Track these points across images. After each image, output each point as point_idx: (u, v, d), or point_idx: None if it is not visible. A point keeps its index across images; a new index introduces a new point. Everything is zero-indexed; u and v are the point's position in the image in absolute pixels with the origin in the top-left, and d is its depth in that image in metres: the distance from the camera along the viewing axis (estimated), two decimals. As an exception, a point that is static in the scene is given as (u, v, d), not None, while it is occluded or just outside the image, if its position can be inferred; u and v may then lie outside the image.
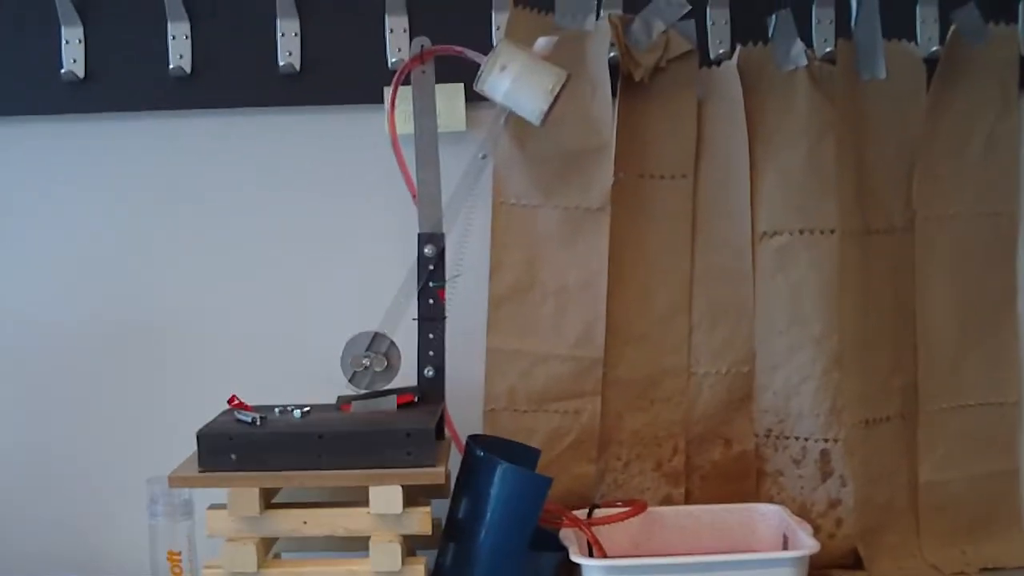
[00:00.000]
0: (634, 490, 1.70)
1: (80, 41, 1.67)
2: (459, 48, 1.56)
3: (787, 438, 1.69)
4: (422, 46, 1.56)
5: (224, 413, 1.51)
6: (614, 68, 1.65)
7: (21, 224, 1.72)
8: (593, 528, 1.53)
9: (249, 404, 1.51)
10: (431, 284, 1.56)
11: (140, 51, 1.68)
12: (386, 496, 1.39)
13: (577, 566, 1.45)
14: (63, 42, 1.67)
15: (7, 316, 1.73)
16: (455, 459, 1.53)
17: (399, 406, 1.53)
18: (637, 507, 1.56)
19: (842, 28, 1.69)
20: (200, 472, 1.41)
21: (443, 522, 1.51)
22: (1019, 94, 1.74)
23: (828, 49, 1.69)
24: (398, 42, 1.68)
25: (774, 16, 1.66)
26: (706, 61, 1.68)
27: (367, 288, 1.62)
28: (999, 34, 1.71)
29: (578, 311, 1.67)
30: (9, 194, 1.72)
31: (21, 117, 1.70)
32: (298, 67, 1.68)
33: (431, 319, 1.57)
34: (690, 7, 1.62)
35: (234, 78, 1.69)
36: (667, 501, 1.70)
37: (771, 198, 1.67)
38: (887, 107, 1.70)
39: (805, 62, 1.64)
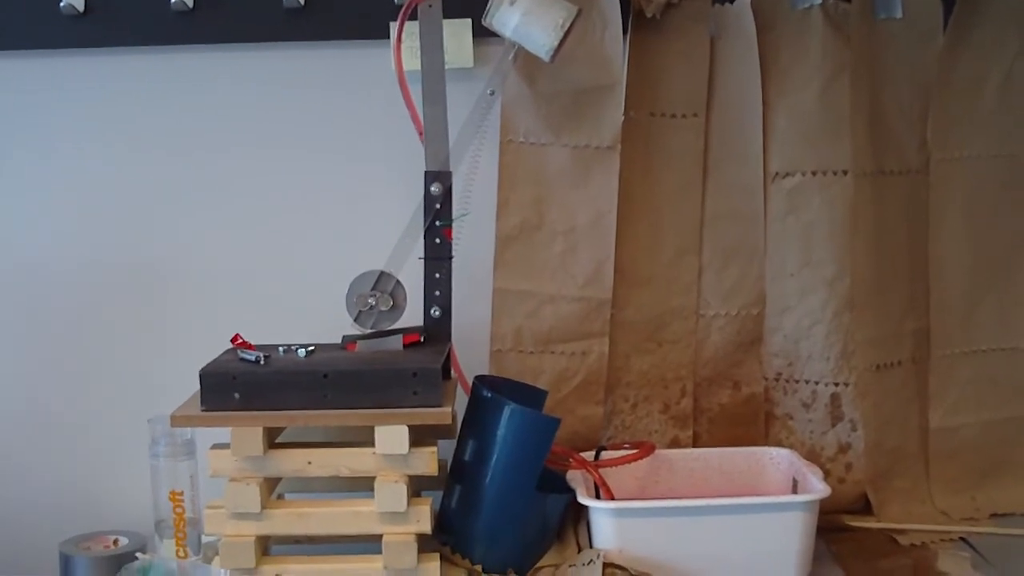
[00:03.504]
0: (641, 432, 1.69)
1: (80, -27, 1.65)
2: (467, -19, 1.54)
3: (797, 381, 1.68)
4: (429, -21, 1.53)
5: (227, 352, 1.50)
6: (625, 4, 1.62)
7: (18, 161, 1.69)
8: (601, 470, 1.52)
9: (253, 343, 1.50)
10: (437, 223, 1.54)
11: (141, -16, 1.65)
12: (392, 436, 1.37)
13: (584, 508, 1.44)
14: (62, -26, 1.64)
15: (4, 255, 1.70)
16: (461, 401, 1.52)
17: (405, 346, 1.51)
18: (645, 449, 1.55)
19: (858, -35, 1.66)
20: (203, 411, 1.39)
21: (449, 463, 1.50)
22: (1037, 34, 1.71)
23: (844, -14, 1.66)
24: (405, -25, 1.65)
25: (789, -48, 1.63)
26: (719, -3, 1.66)
27: (372, 226, 1.61)
28: (1018, -28, 1.68)
29: (587, 251, 1.65)
30: (7, 130, 1.69)
31: (19, 52, 1.66)
32: (302, 1, 1.64)
33: (437, 258, 1.55)
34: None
35: (237, 12, 1.66)
36: (674, 444, 1.69)
37: (783, 138, 1.65)
38: (903, 46, 1.68)
39: (820, 0, 1.61)
